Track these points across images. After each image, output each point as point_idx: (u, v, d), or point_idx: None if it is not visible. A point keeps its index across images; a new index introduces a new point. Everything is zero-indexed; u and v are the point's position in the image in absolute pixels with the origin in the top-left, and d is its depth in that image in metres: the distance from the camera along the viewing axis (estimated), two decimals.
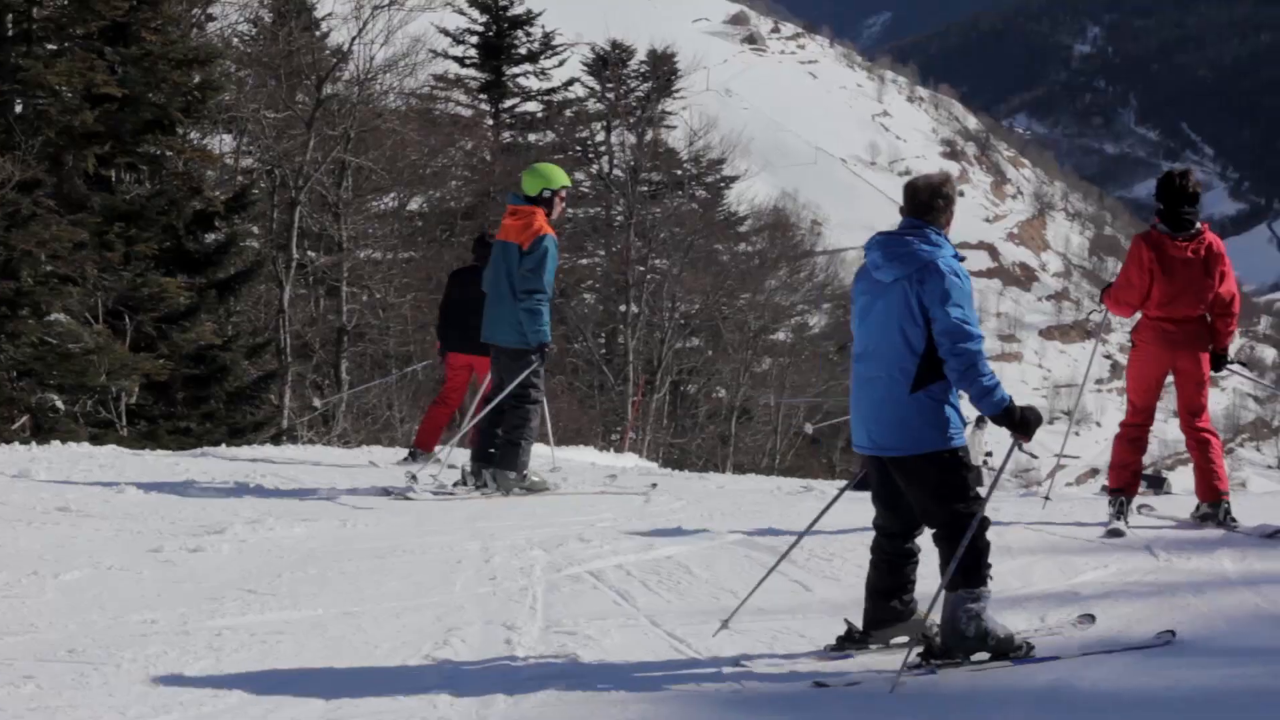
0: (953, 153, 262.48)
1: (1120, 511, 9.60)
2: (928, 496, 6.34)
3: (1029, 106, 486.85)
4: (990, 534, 6.55)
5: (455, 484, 12.13)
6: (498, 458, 11.97)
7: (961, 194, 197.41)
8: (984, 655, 5.96)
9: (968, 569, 6.10)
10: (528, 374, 11.88)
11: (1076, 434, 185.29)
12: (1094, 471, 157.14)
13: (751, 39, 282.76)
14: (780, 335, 49.24)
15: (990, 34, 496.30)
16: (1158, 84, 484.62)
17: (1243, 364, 13.30)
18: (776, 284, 49.39)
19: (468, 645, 6.09)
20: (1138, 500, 10.17)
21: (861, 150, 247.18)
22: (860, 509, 10.90)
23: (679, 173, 47.45)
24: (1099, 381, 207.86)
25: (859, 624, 6.34)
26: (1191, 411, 9.99)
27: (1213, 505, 9.71)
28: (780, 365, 46.61)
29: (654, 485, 13.23)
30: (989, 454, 30.29)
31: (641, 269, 42.11)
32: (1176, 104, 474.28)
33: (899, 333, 6.44)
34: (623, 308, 41.98)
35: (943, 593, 6.16)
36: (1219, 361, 10.31)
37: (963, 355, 6.35)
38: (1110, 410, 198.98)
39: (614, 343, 43.51)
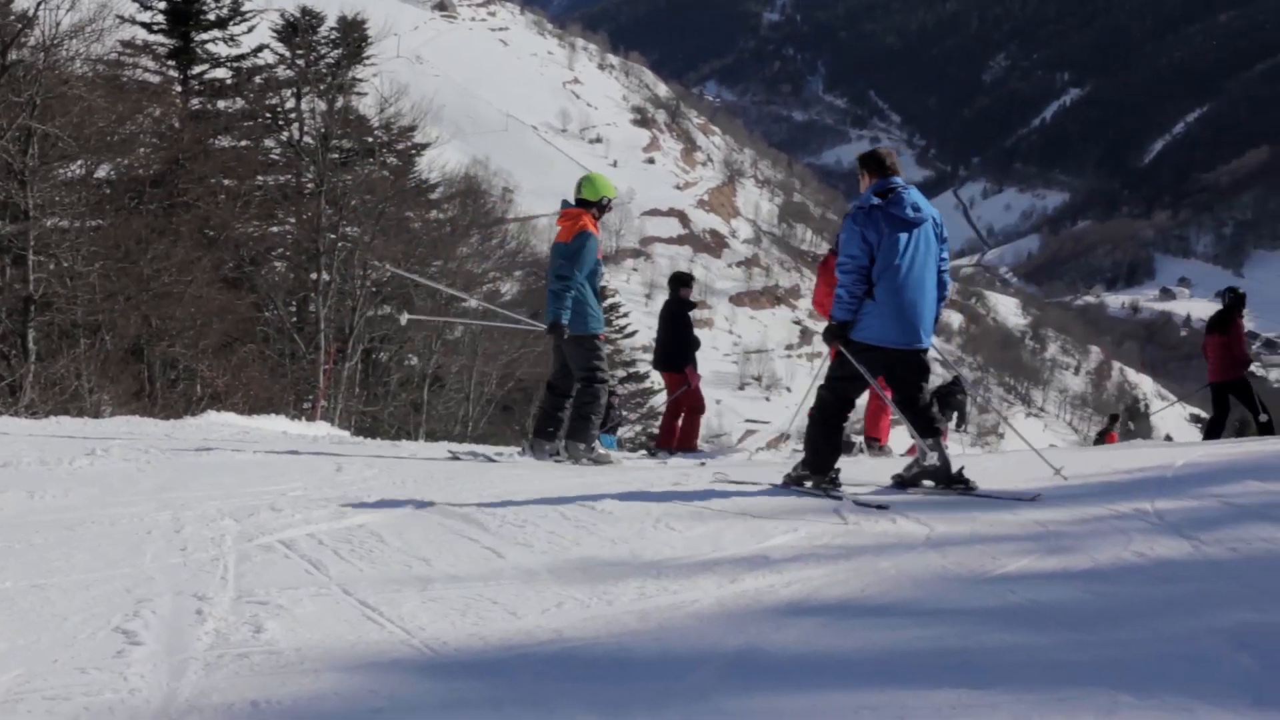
0: (643, 120, 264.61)
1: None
2: None
3: (719, 74, 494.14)
4: (680, 498, 6.82)
5: (519, 453, 14.28)
6: (570, 430, 13.60)
7: (652, 161, 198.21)
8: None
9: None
10: (591, 358, 13.58)
11: (767, 399, 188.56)
12: (785, 436, 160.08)
13: (442, 5, 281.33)
14: (472, 303, 49.30)
15: (681, 2, 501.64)
16: (846, 52, 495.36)
17: None
18: (468, 251, 49.42)
19: (158, 616, 5.96)
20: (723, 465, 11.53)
21: (553, 117, 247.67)
22: (550, 477, 11.07)
23: (370, 140, 47.11)
24: (789, 347, 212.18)
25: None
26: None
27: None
28: (473, 332, 46.67)
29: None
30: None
31: (333, 236, 41.78)
32: (864, 71, 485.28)
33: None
34: (314, 275, 41.65)
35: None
36: None
37: None
38: (800, 376, 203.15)
39: (305, 311, 43.12)
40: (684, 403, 18.18)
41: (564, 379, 13.87)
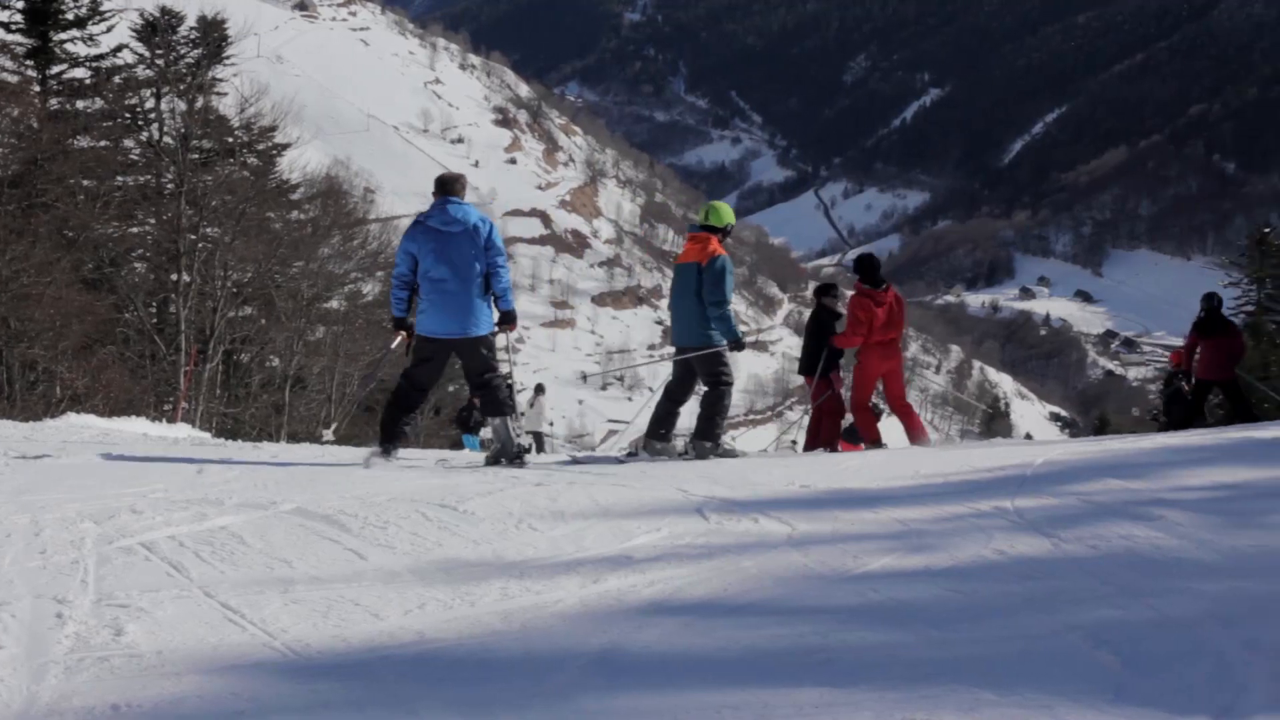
0: (505, 120, 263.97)
1: None
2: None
3: (580, 74, 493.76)
4: (544, 498, 6.98)
5: (626, 454, 15.29)
6: (698, 430, 14.57)
7: (513, 161, 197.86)
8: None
9: None
10: (717, 364, 14.57)
11: (629, 399, 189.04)
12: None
13: (302, 5, 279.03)
14: (334, 303, 49.14)
15: (542, 2, 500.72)
16: (707, 52, 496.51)
17: None
18: (330, 252, 49.22)
19: (18, 620, 5.91)
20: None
21: (414, 118, 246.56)
22: (412, 478, 11.18)
23: (230, 140, 46.72)
24: (651, 347, 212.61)
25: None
26: (900, 395, 17.64)
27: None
28: (334, 333, 46.54)
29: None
30: (551, 423, 30.99)
31: (193, 237, 41.48)
32: (726, 72, 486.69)
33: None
34: (174, 276, 41.35)
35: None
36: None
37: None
38: (662, 376, 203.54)
39: (166, 312, 42.76)
40: (825, 406, 19.28)
41: (682, 387, 15.04)
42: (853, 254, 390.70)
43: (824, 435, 19.13)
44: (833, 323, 19.39)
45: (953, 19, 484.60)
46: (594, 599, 6.46)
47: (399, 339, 13.63)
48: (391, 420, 13.28)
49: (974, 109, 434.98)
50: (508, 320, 13.26)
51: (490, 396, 13.40)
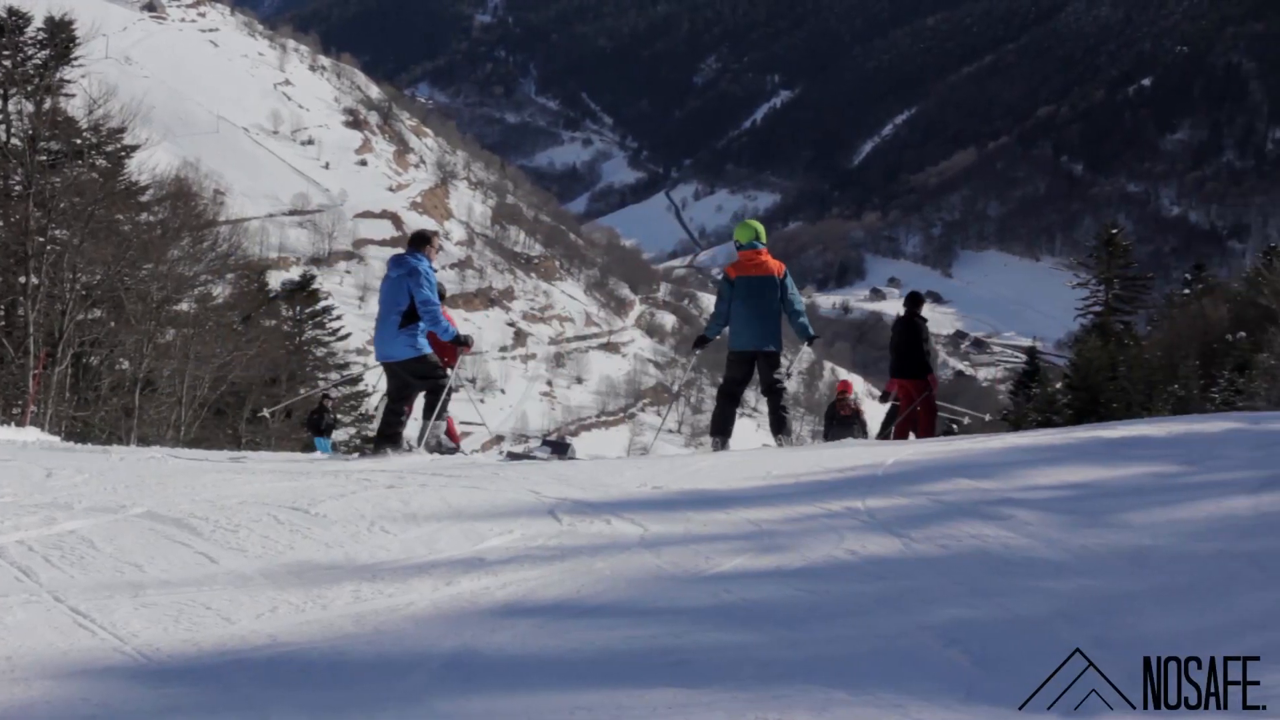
0: (355, 122, 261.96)
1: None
2: None
3: (431, 76, 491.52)
4: (396, 501, 7.10)
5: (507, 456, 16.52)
6: (774, 425, 16.45)
7: (364, 163, 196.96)
8: None
9: None
10: (778, 370, 16.42)
11: (482, 401, 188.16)
12: (499, 438, 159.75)
13: (151, 6, 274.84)
14: (184, 306, 48.76)
15: (393, 3, 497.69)
16: (558, 54, 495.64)
17: None
18: (179, 254, 48.79)
19: None
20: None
21: (264, 119, 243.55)
22: (264, 481, 11.26)
23: (79, 142, 46.20)
24: (503, 349, 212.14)
25: None
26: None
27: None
28: (184, 336, 46.18)
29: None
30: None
31: (41, 239, 41.00)
32: (576, 74, 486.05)
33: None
34: (22, 279, 40.88)
35: None
36: None
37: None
38: (515, 377, 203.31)
39: (14, 315, 42.17)
40: (923, 405, 20.89)
41: (740, 388, 16.76)
42: (704, 255, 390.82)
43: (923, 428, 20.81)
44: (925, 327, 21.31)
45: (803, 21, 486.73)
46: (447, 601, 6.51)
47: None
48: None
49: (824, 111, 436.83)
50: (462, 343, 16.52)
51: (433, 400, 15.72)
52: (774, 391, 16.32)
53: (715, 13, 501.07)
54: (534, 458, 16.80)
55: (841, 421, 26.42)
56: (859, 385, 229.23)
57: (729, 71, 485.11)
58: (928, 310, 21.96)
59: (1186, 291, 70.47)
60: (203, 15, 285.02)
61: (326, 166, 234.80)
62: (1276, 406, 33.69)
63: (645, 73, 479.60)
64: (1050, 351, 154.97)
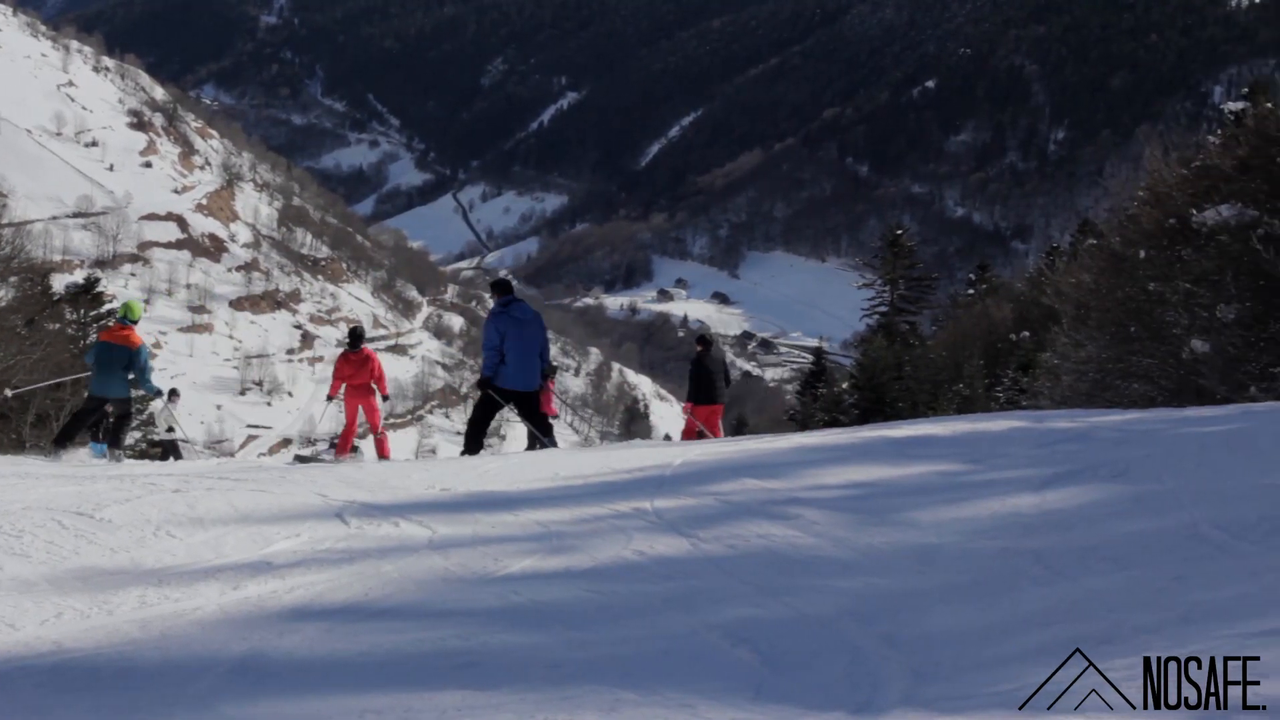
0: (140, 123, 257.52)
1: None
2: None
3: (216, 77, 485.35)
4: (182, 505, 6.99)
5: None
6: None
7: (149, 165, 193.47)
8: None
9: None
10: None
11: (269, 404, 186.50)
12: (286, 441, 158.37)
13: None
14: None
15: (177, 4, 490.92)
16: (344, 55, 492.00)
17: None
18: None
19: None
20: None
21: (47, 121, 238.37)
22: (47, 486, 11.07)
23: None
24: (290, 352, 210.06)
25: None
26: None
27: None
28: None
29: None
30: (170, 429, 31.03)
31: None
32: (363, 75, 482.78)
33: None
34: None
35: None
36: None
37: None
38: (302, 380, 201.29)
39: None
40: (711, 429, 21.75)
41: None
42: (492, 256, 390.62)
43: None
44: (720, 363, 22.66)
45: (589, 23, 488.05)
46: (234, 606, 6.43)
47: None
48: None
49: (611, 112, 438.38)
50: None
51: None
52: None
53: (502, 14, 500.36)
54: (322, 460, 16.56)
55: None
56: (646, 386, 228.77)
57: (516, 73, 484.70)
58: (715, 311, 22.82)
59: (970, 292, 71.43)
60: None
61: (111, 169, 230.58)
62: (1059, 405, 34.55)
63: (432, 74, 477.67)
64: (837, 352, 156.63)
